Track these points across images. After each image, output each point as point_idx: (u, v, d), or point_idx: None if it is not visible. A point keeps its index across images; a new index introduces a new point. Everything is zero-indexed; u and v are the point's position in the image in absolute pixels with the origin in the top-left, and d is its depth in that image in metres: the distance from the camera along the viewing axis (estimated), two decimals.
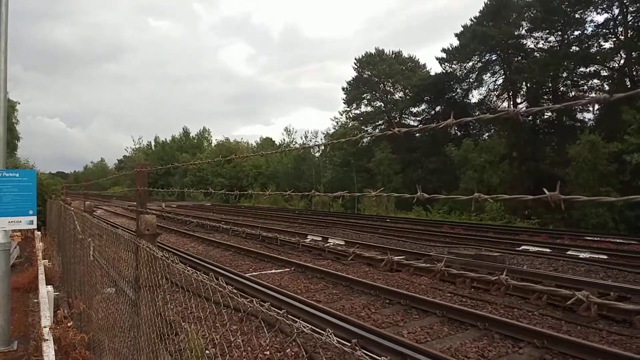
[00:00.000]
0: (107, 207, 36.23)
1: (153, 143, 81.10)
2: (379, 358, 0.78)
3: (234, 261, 11.34)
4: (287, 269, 10.09)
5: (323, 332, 0.92)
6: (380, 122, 41.44)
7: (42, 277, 6.06)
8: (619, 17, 25.07)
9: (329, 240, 14.51)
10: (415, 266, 9.40)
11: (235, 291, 1.25)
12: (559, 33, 27.70)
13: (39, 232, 12.30)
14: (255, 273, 9.69)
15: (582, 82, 27.66)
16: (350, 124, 41.89)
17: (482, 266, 9.28)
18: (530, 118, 29.95)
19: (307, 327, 1.00)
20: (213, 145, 69.56)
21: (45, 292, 5.17)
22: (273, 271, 9.95)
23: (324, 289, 8.26)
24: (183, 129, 77.83)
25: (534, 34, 28.98)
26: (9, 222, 5.27)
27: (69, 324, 4.49)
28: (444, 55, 34.50)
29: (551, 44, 28.37)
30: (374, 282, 8.33)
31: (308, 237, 15.46)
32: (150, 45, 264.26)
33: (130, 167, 70.60)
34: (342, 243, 14.10)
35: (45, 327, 3.83)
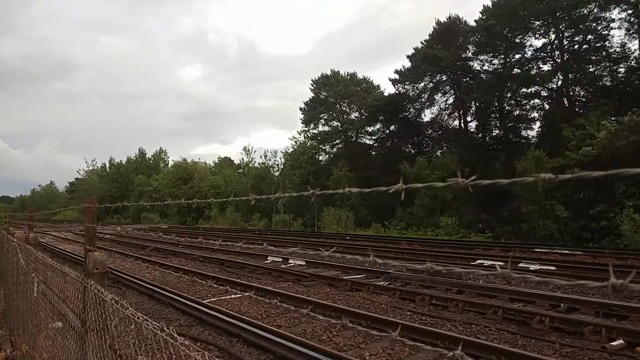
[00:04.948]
0: (57, 232, 34.26)
1: (107, 165, 78.07)
2: None
3: (191, 287, 10.97)
4: (247, 293, 9.83)
5: None
6: (337, 141, 41.99)
7: None
8: (556, 42, 26.91)
9: (289, 261, 14.38)
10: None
11: (187, 343, 1.21)
12: (502, 56, 29.35)
13: None
14: (214, 299, 9.40)
15: (524, 101, 29.30)
16: (309, 144, 42.15)
17: (439, 282, 9.47)
18: (480, 135, 31.35)
19: None
20: (170, 165, 67.77)
21: None
22: (232, 296, 9.70)
23: (285, 312, 8.13)
24: (139, 149, 75.31)
25: (479, 57, 30.56)
26: None
27: None
28: (396, 76, 35.60)
29: (495, 66, 29.98)
30: (334, 303, 8.30)
31: (268, 258, 15.26)
32: (102, 62, 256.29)
33: (84, 190, 67.29)
34: (303, 263, 14.01)
35: None
